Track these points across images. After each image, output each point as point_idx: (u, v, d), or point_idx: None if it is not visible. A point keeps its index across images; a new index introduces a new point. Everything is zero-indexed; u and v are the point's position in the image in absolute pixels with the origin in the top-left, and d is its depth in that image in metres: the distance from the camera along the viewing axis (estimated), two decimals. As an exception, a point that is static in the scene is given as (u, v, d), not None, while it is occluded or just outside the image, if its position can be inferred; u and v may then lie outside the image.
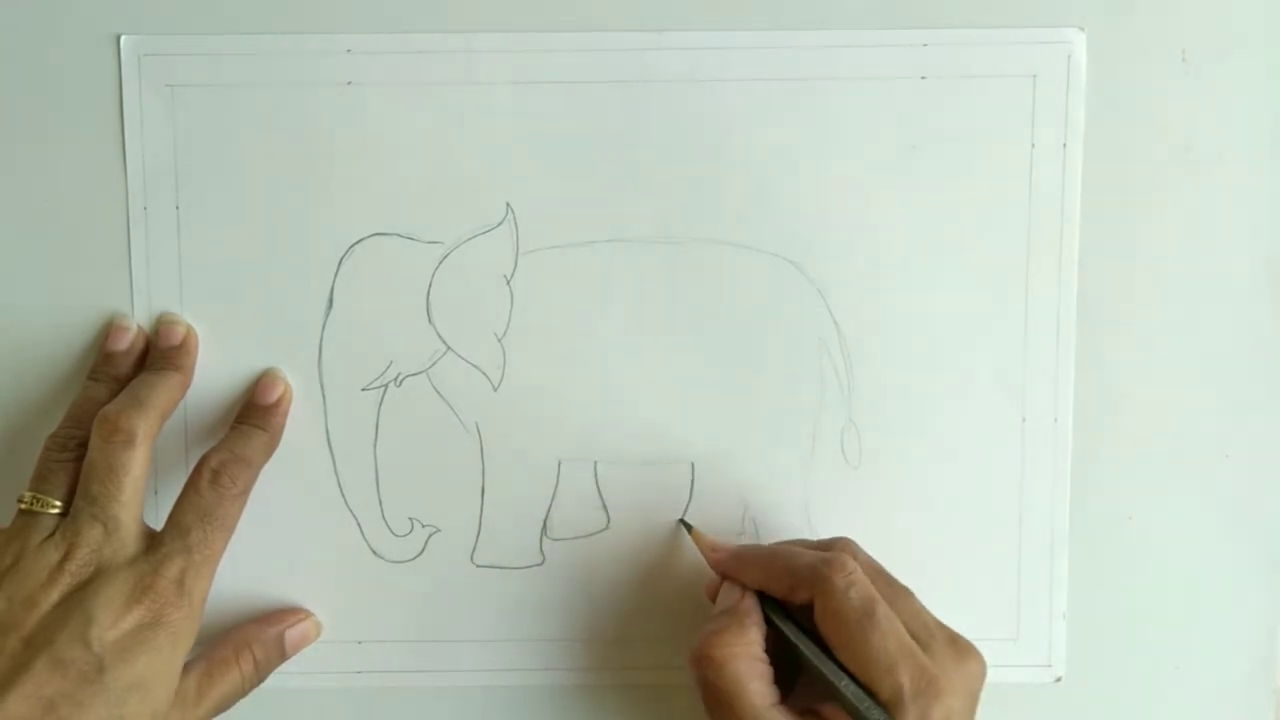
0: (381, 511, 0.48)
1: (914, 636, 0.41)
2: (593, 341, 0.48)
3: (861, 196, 0.47)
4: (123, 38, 0.46)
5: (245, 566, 0.47)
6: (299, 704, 0.49)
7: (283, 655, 0.47)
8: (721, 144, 0.47)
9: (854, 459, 0.48)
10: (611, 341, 0.48)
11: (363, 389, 0.48)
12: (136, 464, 0.42)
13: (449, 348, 0.48)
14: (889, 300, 0.48)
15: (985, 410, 0.48)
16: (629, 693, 0.49)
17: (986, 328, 0.48)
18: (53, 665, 0.39)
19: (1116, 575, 0.49)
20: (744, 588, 0.44)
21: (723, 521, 0.48)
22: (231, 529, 0.44)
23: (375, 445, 0.48)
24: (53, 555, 0.41)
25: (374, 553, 0.48)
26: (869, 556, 0.44)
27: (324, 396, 0.48)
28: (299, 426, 0.47)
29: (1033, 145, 0.47)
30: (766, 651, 0.42)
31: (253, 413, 0.46)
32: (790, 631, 0.42)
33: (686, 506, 0.48)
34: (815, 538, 0.48)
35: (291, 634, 0.47)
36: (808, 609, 0.42)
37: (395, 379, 0.48)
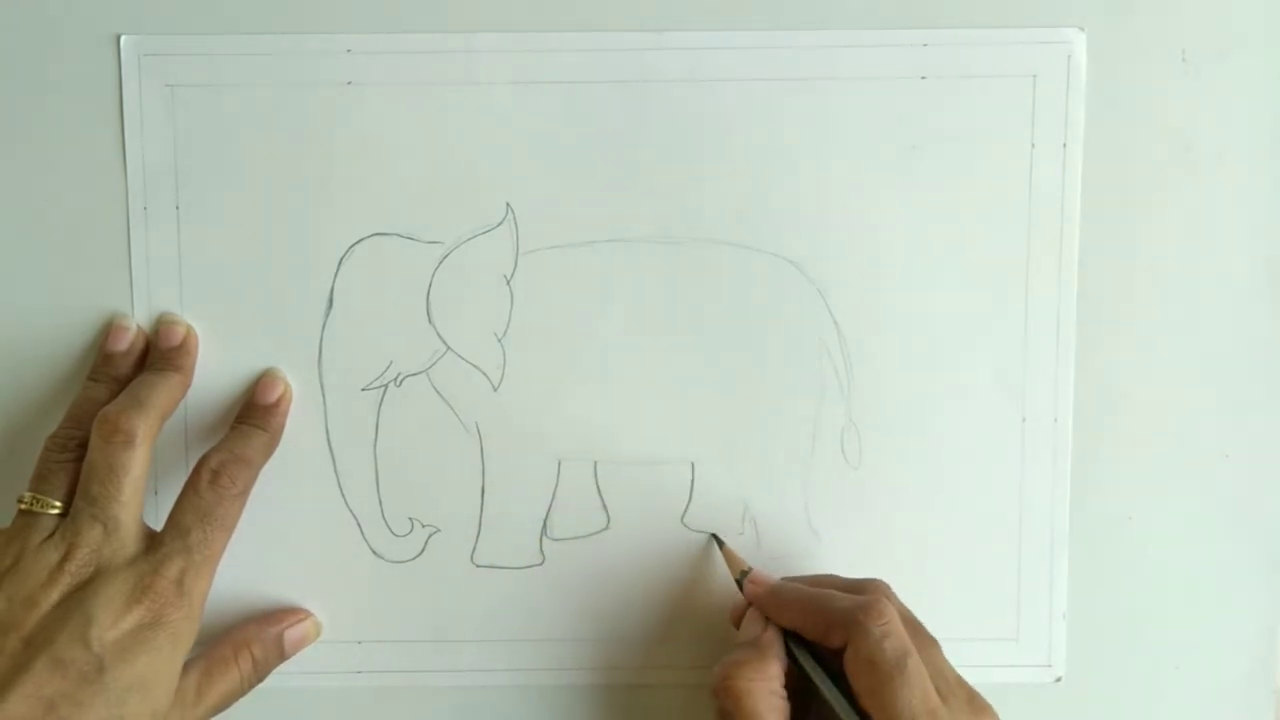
0: (381, 511, 0.48)
1: (935, 690, 0.41)
2: (593, 341, 0.48)
3: (861, 196, 0.47)
4: (123, 38, 0.46)
5: (245, 566, 0.47)
6: (299, 704, 0.49)
7: (282, 655, 0.47)
8: (721, 144, 0.47)
9: (854, 459, 0.48)
10: (611, 341, 0.48)
11: (363, 389, 0.48)
12: (136, 464, 0.42)
13: (449, 348, 0.48)
14: (889, 300, 0.48)
15: (985, 410, 0.48)
16: (629, 692, 0.49)
17: (986, 328, 0.48)
18: (53, 665, 0.39)
19: (1116, 575, 0.49)
20: (768, 620, 0.44)
21: (723, 521, 0.48)
22: (231, 529, 0.44)
23: (375, 445, 0.48)
24: (52, 555, 0.41)
25: (374, 553, 0.48)
26: (901, 603, 0.44)
27: (324, 396, 0.48)
28: (299, 426, 0.47)
29: (1033, 145, 0.47)
30: (785, 687, 0.42)
31: (253, 413, 0.46)
32: (813, 672, 0.42)
33: (686, 506, 0.48)
34: (815, 538, 0.48)
35: (291, 634, 0.47)
36: (832, 649, 0.42)
37: (395, 379, 0.48)
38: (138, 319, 0.47)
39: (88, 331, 0.47)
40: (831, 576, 0.46)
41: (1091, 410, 0.48)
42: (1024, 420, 0.48)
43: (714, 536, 0.48)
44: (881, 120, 0.47)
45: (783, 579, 0.46)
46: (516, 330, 0.47)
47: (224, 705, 0.44)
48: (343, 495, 0.48)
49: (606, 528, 0.48)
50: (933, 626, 0.43)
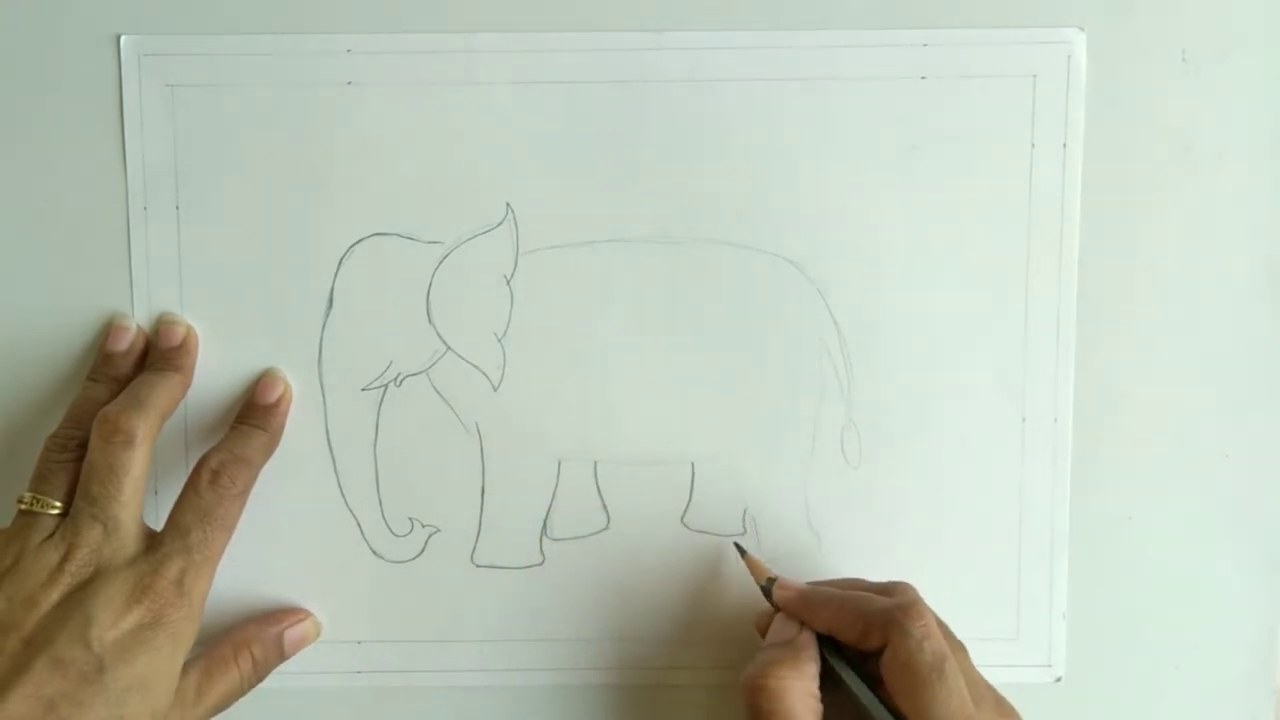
0: (381, 512, 0.48)
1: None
2: (593, 341, 0.48)
3: (861, 196, 0.47)
4: (123, 38, 0.46)
5: (245, 566, 0.47)
6: (299, 704, 0.49)
7: (282, 655, 0.47)
8: (721, 144, 0.47)
9: (854, 459, 0.48)
10: (611, 341, 0.48)
11: (363, 389, 0.48)
12: (136, 464, 0.42)
13: (449, 348, 0.48)
14: (889, 300, 0.48)
15: (985, 410, 0.48)
16: (629, 693, 0.49)
17: (986, 328, 0.48)
18: (53, 665, 0.39)
19: (1116, 575, 0.49)
20: (801, 624, 0.44)
21: (723, 521, 0.48)
22: (231, 529, 0.44)
23: (375, 445, 0.48)
24: (52, 556, 0.41)
25: (374, 553, 0.48)
26: (929, 607, 0.43)
27: (324, 396, 0.48)
28: (299, 426, 0.47)
29: (1033, 145, 0.47)
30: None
31: (253, 413, 0.46)
32: (847, 675, 0.42)
33: (686, 506, 0.48)
34: (815, 538, 0.48)
35: (291, 634, 0.47)
36: (861, 651, 0.42)
37: (395, 379, 0.48)
38: (138, 319, 0.47)
39: (88, 331, 0.47)
40: (858, 580, 0.46)
41: (1091, 410, 0.48)
42: (1024, 420, 0.48)
43: (736, 545, 0.47)
44: (881, 120, 0.47)
45: (809, 583, 0.45)
46: (516, 330, 0.47)
47: (224, 705, 0.44)
48: (343, 495, 0.48)
49: (606, 528, 0.48)
50: (933, 626, 0.43)
